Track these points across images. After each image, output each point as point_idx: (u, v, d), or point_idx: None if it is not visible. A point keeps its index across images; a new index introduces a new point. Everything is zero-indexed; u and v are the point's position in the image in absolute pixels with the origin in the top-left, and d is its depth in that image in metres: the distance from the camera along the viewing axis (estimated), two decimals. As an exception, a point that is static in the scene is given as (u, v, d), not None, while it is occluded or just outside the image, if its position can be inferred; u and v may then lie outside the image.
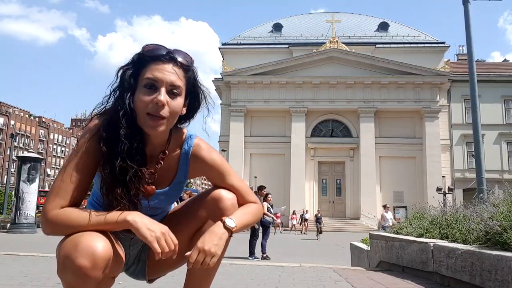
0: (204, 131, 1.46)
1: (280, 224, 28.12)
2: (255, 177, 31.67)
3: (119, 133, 1.23)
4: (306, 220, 27.14)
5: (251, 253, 9.39)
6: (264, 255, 9.42)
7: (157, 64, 1.26)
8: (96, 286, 1.14)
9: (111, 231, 1.22)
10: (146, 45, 1.30)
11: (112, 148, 1.24)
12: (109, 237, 1.20)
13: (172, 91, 1.26)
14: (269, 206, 10.56)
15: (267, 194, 10.59)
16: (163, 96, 1.23)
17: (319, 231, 21.49)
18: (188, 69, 1.31)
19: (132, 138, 1.25)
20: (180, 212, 1.47)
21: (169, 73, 1.26)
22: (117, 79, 1.29)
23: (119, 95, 1.27)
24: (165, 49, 1.29)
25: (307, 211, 29.11)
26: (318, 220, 22.61)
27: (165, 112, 1.24)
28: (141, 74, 1.26)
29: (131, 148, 1.25)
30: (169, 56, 1.27)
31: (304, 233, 25.55)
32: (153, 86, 1.24)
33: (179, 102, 1.28)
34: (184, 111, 1.34)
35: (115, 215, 1.20)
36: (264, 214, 9.99)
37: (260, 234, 9.82)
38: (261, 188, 10.73)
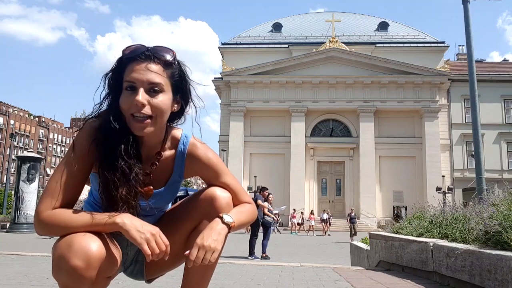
0: (198, 128, 1.44)
1: (290, 224, 26.81)
2: (255, 176, 31.69)
3: (113, 136, 1.25)
4: (324, 220, 25.38)
5: (251, 252, 9.40)
6: (264, 255, 9.44)
7: (134, 65, 1.25)
8: (91, 286, 1.14)
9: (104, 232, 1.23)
10: (126, 47, 1.30)
11: (109, 150, 1.25)
12: (103, 237, 1.20)
13: (152, 89, 1.25)
14: (269, 206, 10.57)
15: (268, 195, 10.62)
16: (141, 96, 1.22)
17: (354, 233, 19.20)
18: (169, 64, 1.30)
19: (126, 140, 1.26)
20: (175, 212, 1.46)
21: (145, 71, 1.25)
22: (104, 85, 1.30)
23: (109, 103, 1.29)
24: (143, 48, 1.28)
25: (324, 210, 27.83)
26: (352, 220, 19.99)
27: (147, 111, 1.23)
28: (123, 77, 1.27)
29: (127, 149, 1.26)
30: (145, 55, 1.26)
31: (328, 235, 24.24)
32: (133, 87, 1.24)
33: (162, 99, 1.27)
34: (176, 108, 1.34)
35: (105, 217, 1.20)
36: (265, 214, 10.02)
37: (260, 234, 9.83)
38: (263, 189, 10.74)
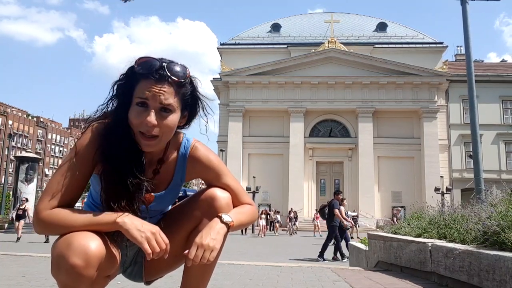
0: (204, 135, 1.46)
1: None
2: (254, 177, 31.67)
3: (118, 147, 1.25)
4: (356, 220, 22.77)
5: (342, 254, 9.61)
6: (346, 256, 9.71)
7: (147, 83, 1.24)
8: (90, 285, 1.15)
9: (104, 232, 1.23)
10: (139, 58, 1.27)
11: (113, 161, 1.25)
12: (103, 236, 1.20)
13: (163, 109, 1.25)
14: (346, 210, 10.84)
15: (342, 199, 10.84)
16: (152, 117, 1.22)
17: None
18: (182, 85, 1.28)
19: (132, 152, 1.27)
20: (175, 212, 1.47)
21: (159, 92, 1.23)
22: (112, 92, 1.29)
23: (116, 110, 1.28)
24: (158, 64, 1.25)
25: (353, 210, 25.81)
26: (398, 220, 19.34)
27: (156, 132, 1.24)
28: (134, 90, 1.25)
29: (132, 161, 1.27)
30: (159, 74, 1.24)
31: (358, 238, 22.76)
32: (145, 105, 1.23)
33: (172, 118, 1.27)
34: (183, 122, 1.35)
35: (105, 217, 1.21)
36: (343, 218, 10.24)
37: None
38: (337, 192, 10.90)
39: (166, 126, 1.25)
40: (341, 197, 10.76)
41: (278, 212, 27.23)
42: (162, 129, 1.25)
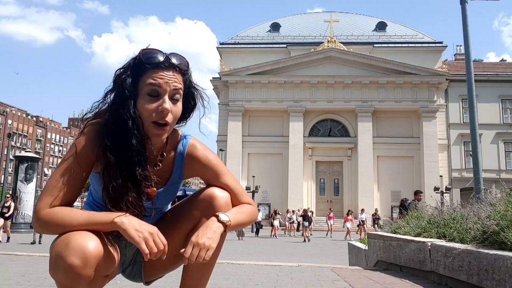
0: (200, 132, 1.47)
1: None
2: (253, 176, 31.69)
3: (123, 141, 1.24)
4: (363, 222, 22.00)
5: None
6: None
7: (158, 71, 1.26)
8: (88, 284, 1.15)
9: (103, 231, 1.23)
10: (143, 50, 1.29)
11: (120, 155, 1.24)
12: (101, 236, 1.20)
13: (174, 97, 1.28)
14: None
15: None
16: (168, 103, 1.25)
17: None
18: (184, 73, 1.33)
19: (141, 146, 1.26)
20: (174, 212, 1.47)
21: (172, 79, 1.27)
22: (115, 84, 1.28)
23: (121, 103, 1.25)
24: (163, 54, 1.28)
25: (362, 210, 24.31)
26: None
27: (169, 118, 1.26)
28: (141, 80, 1.26)
29: (141, 155, 1.27)
30: (169, 63, 1.28)
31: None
32: (157, 93, 1.25)
33: (179, 106, 1.31)
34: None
35: (103, 216, 1.20)
36: None
37: None
38: (417, 192, 10.80)
39: (176, 113, 1.29)
40: (421, 197, 10.65)
41: (294, 212, 25.27)
42: (173, 117, 1.28)
